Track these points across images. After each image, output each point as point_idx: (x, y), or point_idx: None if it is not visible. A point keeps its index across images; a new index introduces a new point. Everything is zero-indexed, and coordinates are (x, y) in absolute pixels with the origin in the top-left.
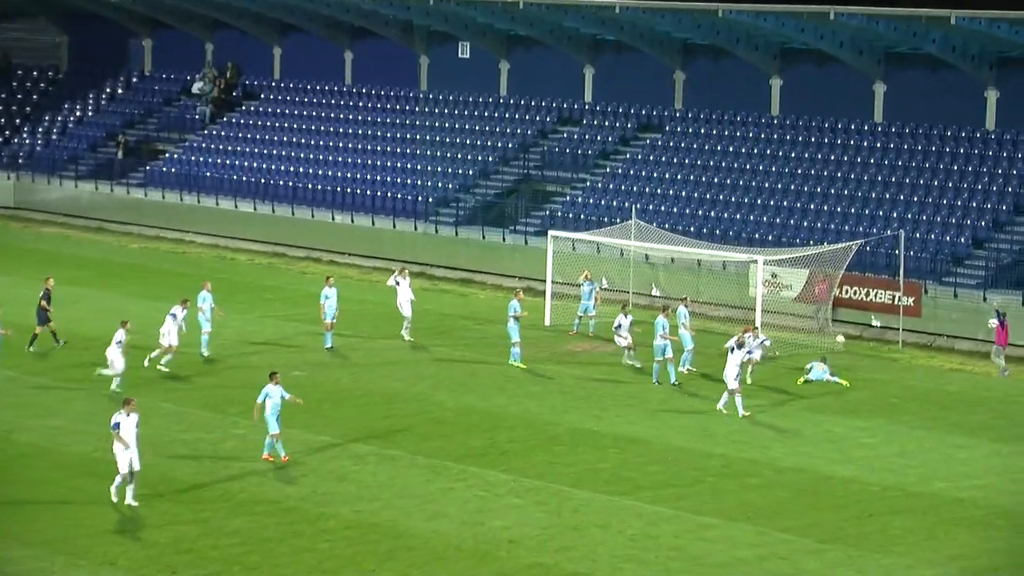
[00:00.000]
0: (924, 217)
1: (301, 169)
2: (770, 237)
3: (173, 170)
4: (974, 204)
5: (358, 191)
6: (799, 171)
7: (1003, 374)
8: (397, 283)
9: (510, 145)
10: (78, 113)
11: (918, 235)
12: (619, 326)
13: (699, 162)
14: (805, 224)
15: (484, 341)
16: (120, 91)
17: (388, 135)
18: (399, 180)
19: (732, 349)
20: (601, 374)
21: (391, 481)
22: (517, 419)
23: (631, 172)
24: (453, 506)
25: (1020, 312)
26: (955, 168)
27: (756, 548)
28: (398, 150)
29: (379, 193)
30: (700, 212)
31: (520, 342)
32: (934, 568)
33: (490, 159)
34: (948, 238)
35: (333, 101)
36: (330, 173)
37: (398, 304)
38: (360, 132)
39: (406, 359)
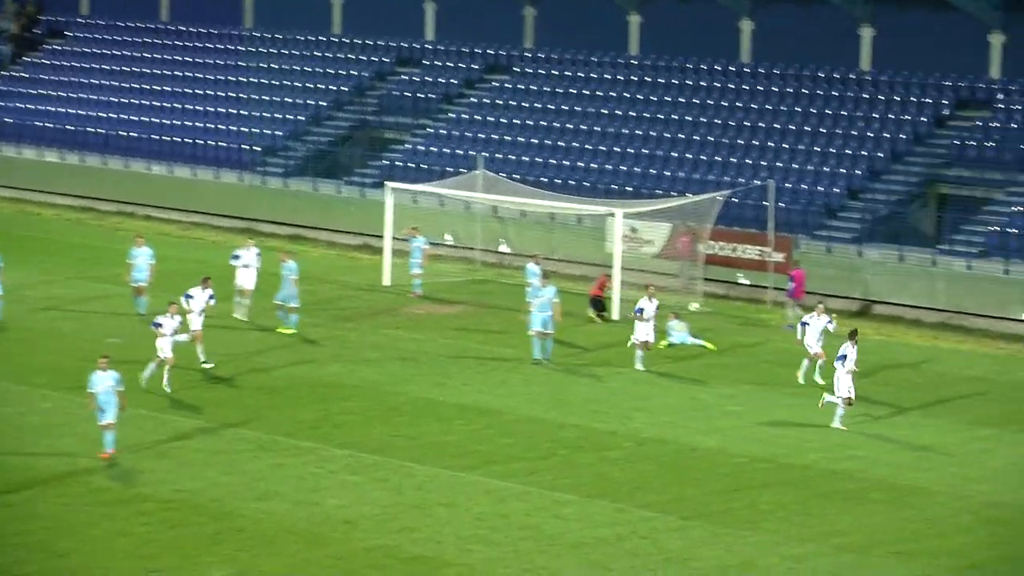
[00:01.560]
0: (795, 166)
1: (113, 115)
2: (629, 188)
3: None
4: (848, 151)
5: (177, 139)
6: (660, 116)
7: (786, 328)
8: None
9: (344, 88)
10: None
11: (789, 185)
12: (641, 310)
13: (552, 106)
14: (667, 174)
15: (316, 303)
16: None
17: (209, 77)
18: (222, 127)
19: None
20: (446, 338)
21: (215, 458)
22: (353, 389)
23: (477, 118)
24: (284, 484)
25: (898, 268)
26: (828, 112)
27: (615, 526)
28: (221, 94)
29: (200, 141)
30: (553, 161)
31: (298, 307)
32: (806, 545)
33: (322, 104)
34: (821, 188)
35: (148, 40)
36: (145, 119)
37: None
38: (178, 74)
39: (231, 324)
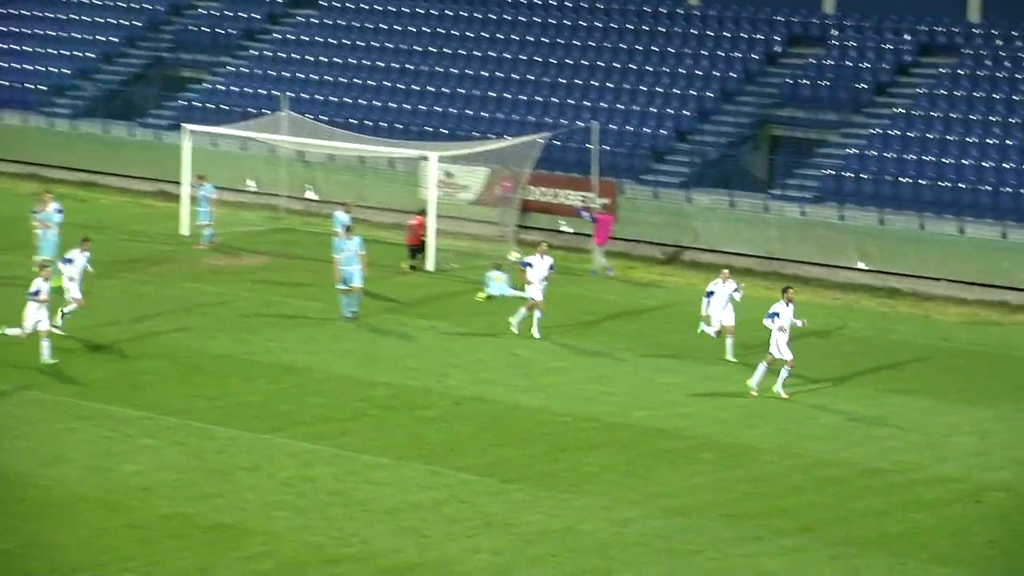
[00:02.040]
0: (620, 106)
1: None
2: (444, 130)
3: None
4: (676, 91)
5: None
6: (477, 53)
7: (607, 272)
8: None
9: (137, 23)
10: None
11: (613, 127)
12: (528, 264)
13: (361, 43)
14: (485, 115)
15: (107, 253)
16: None
17: None
18: (3, 64)
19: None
20: (249, 291)
21: None
22: (150, 346)
23: (281, 55)
24: (76, 449)
25: (728, 215)
26: (655, 49)
27: (431, 491)
28: (2, 28)
29: None
30: (363, 102)
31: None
32: (634, 508)
33: (114, 40)
34: (647, 130)
35: None
36: None
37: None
38: None
39: (17, 275)
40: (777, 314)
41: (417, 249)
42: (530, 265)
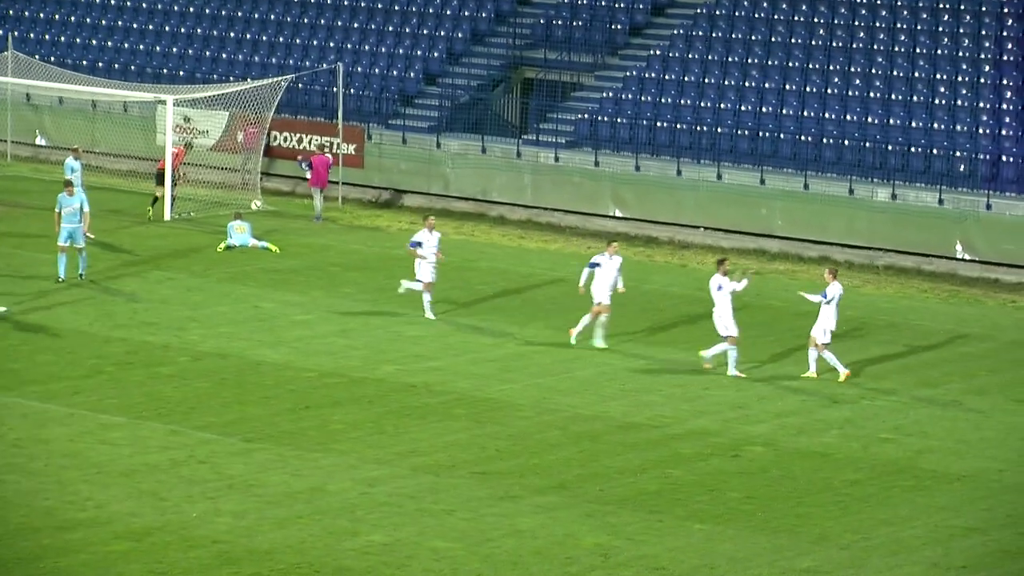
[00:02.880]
0: (366, 48)
1: None
2: (182, 72)
3: None
4: (425, 31)
5: None
6: None
7: (316, 220)
8: None
9: None
10: None
11: (359, 69)
12: (418, 244)
13: None
14: (224, 56)
15: None
16: None
17: None
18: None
19: (417, 246)
20: None
21: None
22: None
23: None
24: None
25: (480, 160)
26: None
27: (169, 451)
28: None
29: None
30: (94, 42)
31: None
32: (381, 467)
33: None
34: (395, 73)
35: None
36: None
37: None
38: None
39: None
40: (720, 287)
41: (164, 178)
42: (419, 244)
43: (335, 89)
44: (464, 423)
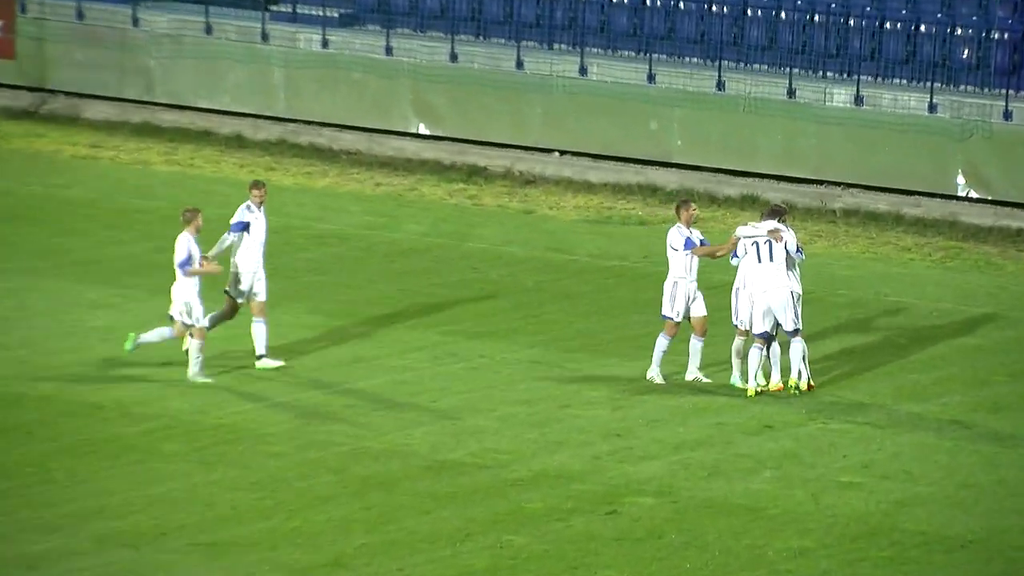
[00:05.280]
0: None
1: None
2: None
3: None
4: None
5: None
6: None
7: None
8: None
9: None
10: None
11: None
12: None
13: None
14: None
15: None
16: None
17: None
18: None
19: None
20: None
21: None
22: None
23: None
24: None
25: (203, 48)
26: None
27: None
28: None
29: None
30: None
31: None
32: (52, 535)
33: None
34: None
35: None
36: None
37: None
38: None
39: None
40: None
41: None
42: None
43: None
44: (182, 465)
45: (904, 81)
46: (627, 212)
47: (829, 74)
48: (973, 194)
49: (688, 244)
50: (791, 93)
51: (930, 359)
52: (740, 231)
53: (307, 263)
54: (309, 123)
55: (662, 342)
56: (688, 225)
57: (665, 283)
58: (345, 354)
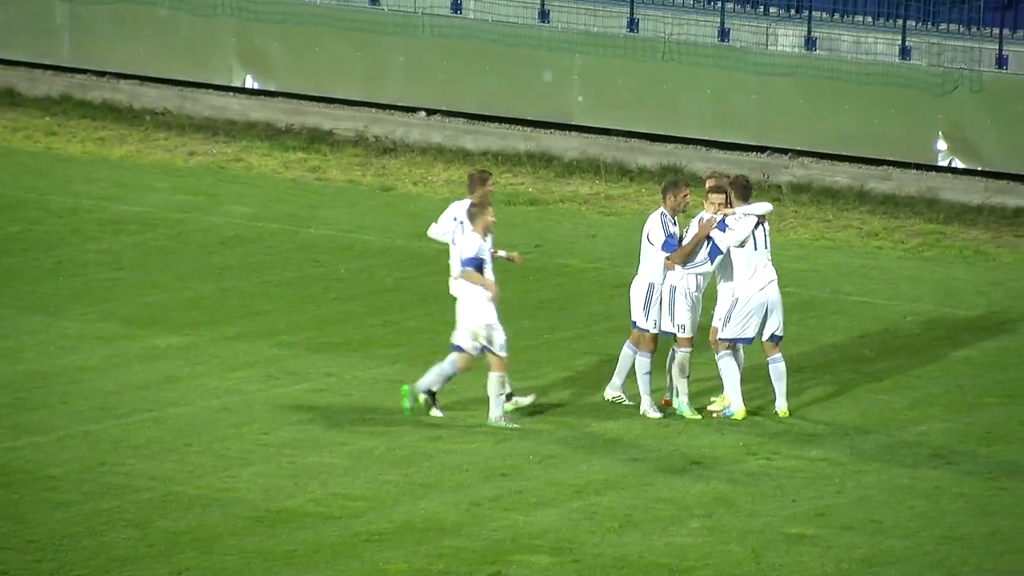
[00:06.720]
0: None
1: None
2: None
3: None
4: None
5: None
6: None
7: None
8: None
9: None
10: None
11: None
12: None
13: None
14: None
15: None
16: None
17: None
18: None
19: None
20: None
21: None
22: None
23: None
24: None
25: None
26: None
27: None
28: None
29: None
30: None
31: None
32: None
33: None
34: None
35: None
36: None
37: None
38: None
39: None
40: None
41: None
42: None
43: None
44: None
45: (869, 19)
46: (514, 188)
47: (772, 10)
48: (957, 163)
49: (668, 245)
50: (723, 35)
51: (904, 376)
52: (733, 222)
53: (99, 255)
54: (102, 74)
55: (642, 362)
56: (675, 214)
57: (633, 284)
58: (151, 373)
